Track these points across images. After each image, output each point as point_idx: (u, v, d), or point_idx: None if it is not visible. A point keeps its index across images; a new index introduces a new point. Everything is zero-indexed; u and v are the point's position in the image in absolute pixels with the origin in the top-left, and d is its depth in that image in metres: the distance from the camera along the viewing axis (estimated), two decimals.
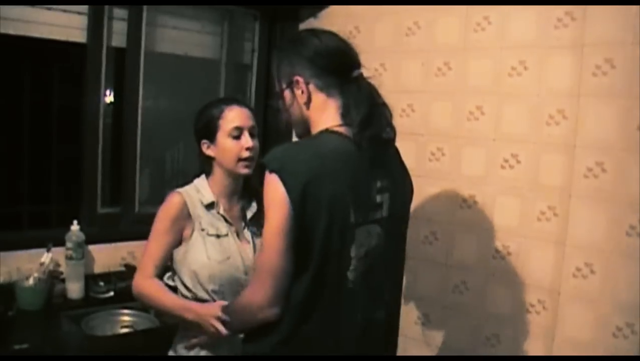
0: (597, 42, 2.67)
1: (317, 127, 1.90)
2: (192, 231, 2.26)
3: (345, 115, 1.87)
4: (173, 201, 2.26)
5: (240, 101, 2.38)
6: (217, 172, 2.33)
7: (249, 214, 2.40)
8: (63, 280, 3.00)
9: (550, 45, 2.81)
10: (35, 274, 2.84)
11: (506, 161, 2.93)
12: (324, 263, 1.75)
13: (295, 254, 1.74)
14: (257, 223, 2.38)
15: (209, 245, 2.23)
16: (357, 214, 1.79)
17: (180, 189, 2.30)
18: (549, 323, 2.81)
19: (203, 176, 2.36)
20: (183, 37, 3.64)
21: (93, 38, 3.17)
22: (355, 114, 1.83)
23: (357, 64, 1.95)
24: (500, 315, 2.95)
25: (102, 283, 3.09)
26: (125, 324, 2.90)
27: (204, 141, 2.31)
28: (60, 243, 2.98)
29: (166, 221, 2.24)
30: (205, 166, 2.36)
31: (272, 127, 3.94)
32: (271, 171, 1.73)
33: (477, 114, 3.03)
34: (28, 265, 2.88)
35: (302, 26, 3.89)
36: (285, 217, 1.71)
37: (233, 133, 2.26)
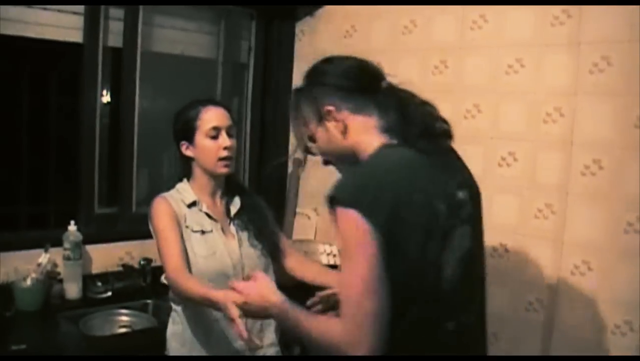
0: (593, 39, 2.67)
1: (363, 150, 1.75)
2: (181, 230, 2.27)
3: (389, 128, 1.74)
4: (161, 203, 2.28)
5: (217, 101, 2.42)
6: (198, 172, 2.35)
7: (233, 210, 2.41)
8: (61, 280, 3.00)
9: (547, 43, 2.81)
10: (33, 275, 2.83)
11: (503, 159, 2.94)
12: (421, 279, 1.62)
13: (391, 284, 1.57)
14: (241, 218, 2.41)
15: (194, 241, 2.26)
16: (447, 219, 1.67)
17: (163, 194, 2.33)
18: (547, 321, 2.82)
19: (185, 180, 2.39)
20: (179, 36, 3.64)
21: (89, 38, 3.17)
22: (399, 122, 1.73)
23: (381, 76, 1.83)
24: (497, 314, 2.95)
25: (99, 283, 3.09)
26: (123, 324, 2.90)
27: (183, 142, 2.34)
28: (58, 243, 2.98)
29: (165, 217, 2.24)
30: (185, 168, 2.39)
31: (270, 127, 3.94)
32: (346, 206, 1.56)
33: (474, 112, 3.03)
34: (26, 266, 2.87)
35: (299, 25, 3.89)
36: (375, 254, 1.54)
37: (211, 133, 2.28)
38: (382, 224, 1.53)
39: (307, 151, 1.89)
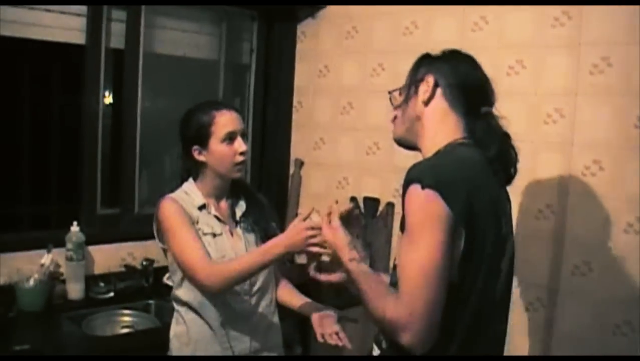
0: (593, 40, 2.68)
1: (431, 135, 1.78)
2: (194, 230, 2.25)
3: (470, 135, 1.76)
4: (171, 204, 2.23)
5: (228, 105, 2.36)
6: (207, 176, 2.30)
7: (239, 212, 2.40)
8: (63, 281, 3.00)
9: (547, 44, 2.82)
10: (36, 276, 2.84)
11: None
12: (483, 281, 1.63)
13: (459, 275, 1.58)
14: (247, 220, 2.39)
15: (205, 245, 2.22)
16: (505, 225, 1.72)
17: (170, 195, 2.28)
18: (547, 321, 2.82)
19: (190, 180, 2.34)
20: (181, 38, 3.65)
21: (92, 39, 3.18)
22: (486, 146, 1.73)
23: (490, 102, 1.83)
24: None
25: (102, 284, 3.09)
26: (126, 324, 2.91)
27: (195, 147, 2.27)
28: (61, 244, 2.98)
29: (178, 216, 2.20)
30: (192, 171, 2.34)
31: (271, 126, 3.95)
32: (425, 187, 1.54)
33: None
34: (28, 266, 2.88)
35: (300, 26, 3.90)
36: (442, 241, 1.52)
37: (226, 138, 2.24)
38: (460, 210, 1.54)
39: (390, 96, 1.95)
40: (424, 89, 1.79)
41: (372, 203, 3.53)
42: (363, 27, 3.58)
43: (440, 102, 1.78)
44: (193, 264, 2.14)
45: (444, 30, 3.18)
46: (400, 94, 1.89)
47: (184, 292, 2.26)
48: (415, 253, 1.54)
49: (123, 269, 3.27)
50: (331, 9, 3.74)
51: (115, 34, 3.30)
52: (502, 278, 1.72)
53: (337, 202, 1.93)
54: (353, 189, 3.66)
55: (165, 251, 2.29)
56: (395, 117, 1.89)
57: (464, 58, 1.87)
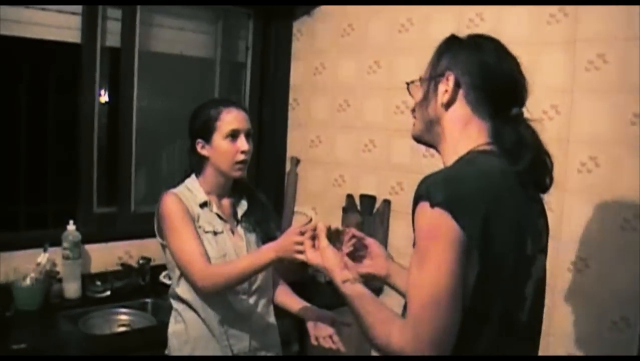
0: (589, 37, 2.68)
1: (451, 141, 1.61)
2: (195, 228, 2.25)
3: (496, 140, 1.59)
4: (172, 199, 2.23)
5: (238, 104, 2.37)
6: (209, 171, 2.31)
7: (240, 212, 2.40)
8: (60, 280, 3.00)
9: (543, 41, 2.82)
10: (32, 275, 2.84)
11: None
12: (505, 307, 1.48)
13: (473, 300, 1.43)
14: (248, 219, 2.39)
15: (206, 242, 2.22)
16: (531, 245, 1.54)
17: (173, 190, 2.28)
18: (544, 318, 2.82)
19: (193, 176, 2.35)
20: (177, 36, 3.65)
21: (87, 38, 3.18)
22: (507, 150, 1.56)
23: (521, 102, 1.65)
24: None
25: (99, 283, 3.09)
26: (123, 323, 2.91)
27: (199, 140, 2.29)
28: (57, 243, 2.99)
29: (179, 214, 2.20)
30: (195, 165, 2.35)
31: (267, 124, 3.95)
32: (434, 205, 1.40)
33: None
34: (25, 265, 2.87)
35: (296, 24, 3.90)
36: (453, 260, 1.38)
37: (230, 135, 2.25)
38: (474, 231, 1.39)
39: (408, 87, 1.76)
40: (444, 89, 1.60)
41: (368, 200, 3.53)
42: (359, 24, 3.58)
43: (461, 107, 1.60)
44: (190, 264, 2.15)
45: (440, 28, 3.18)
46: (420, 85, 1.69)
47: (183, 290, 2.26)
48: (424, 274, 1.40)
49: (120, 268, 3.27)
50: (327, 7, 3.75)
51: (111, 32, 3.29)
52: (528, 304, 1.55)
53: (330, 225, 1.84)
54: (349, 186, 3.66)
55: (164, 247, 2.29)
56: (414, 110, 1.71)
57: (492, 47, 1.65)
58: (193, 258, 2.14)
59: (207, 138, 2.27)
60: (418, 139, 1.73)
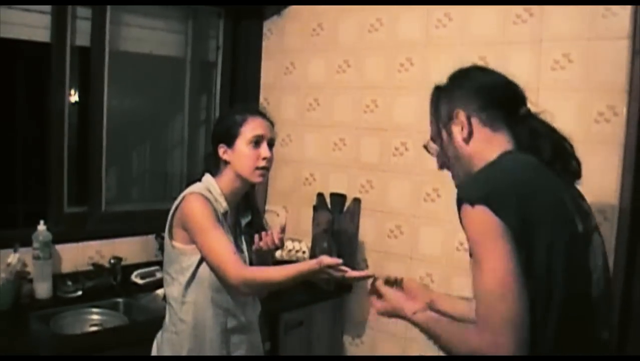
0: (555, 37, 2.75)
1: (483, 158, 1.67)
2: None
3: (517, 141, 1.69)
4: (200, 200, 2.21)
5: (265, 113, 2.37)
6: (228, 175, 2.30)
7: (243, 222, 2.41)
8: (31, 280, 2.98)
9: (509, 41, 2.87)
10: (3, 275, 2.82)
11: None
12: (570, 283, 1.52)
13: (536, 283, 1.49)
14: (249, 232, 2.39)
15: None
16: (582, 224, 1.60)
17: (196, 191, 2.24)
18: None
19: (210, 178, 2.32)
20: (147, 35, 3.64)
21: (57, 37, 3.16)
22: (529, 148, 1.66)
23: (522, 101, 1.74)
24: None
25: (70, 283, 3.08)
26: (94, 322, 2.90)
27: (222, 145, 2.28)
28: (27, 243, 2.96)
29: (211, 214, 2.19)
30: (213, 168, 2.33)
31: None
32: (474, 203, 1.50)
33: None
34: None
35: (266, 24, 3.92)
36: (509, 251, 1.46)
37: (253, 141, 2.25)
38: (515, 223, 1.47)
39: (426, 149, 1.86)
40: (458, 128, 1.71)
41: (339, 198, 3.55)
42: (329, 24, 3.61)
43: (481, 132, 1.70)
44: (225, 264, 2.14)
45: (408, 27, 3.22)
46: (433, 141, 1.81)
47: (177, 293, 2.26)
48: (484, 273, 1.49)
49: (91, 267, 3.25)
50: (297, 7, 3.76)
51: (81, 31, 3.28)
52: (597, 275, 1.60)
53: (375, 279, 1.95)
54: (320, 185, 3.69)
55: (167, 247, 2.29)
56: (441, 166, 1.82)
57: (476, 70, 1.80)
58: (228, 257, 2.14)
59: (230, 143, 2.27)
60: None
